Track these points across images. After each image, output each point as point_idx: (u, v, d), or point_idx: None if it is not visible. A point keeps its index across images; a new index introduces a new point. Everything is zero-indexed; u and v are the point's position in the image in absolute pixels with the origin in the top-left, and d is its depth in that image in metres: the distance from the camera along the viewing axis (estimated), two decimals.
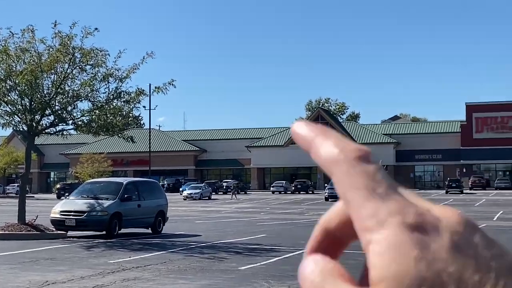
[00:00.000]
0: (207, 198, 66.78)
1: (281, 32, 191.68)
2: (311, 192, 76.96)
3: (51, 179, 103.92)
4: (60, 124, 25.98)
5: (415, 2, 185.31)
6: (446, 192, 70.06)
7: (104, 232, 23.03)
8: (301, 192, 76.37)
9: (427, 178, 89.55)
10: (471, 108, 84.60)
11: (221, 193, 78.68)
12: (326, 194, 58.45)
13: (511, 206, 49.87)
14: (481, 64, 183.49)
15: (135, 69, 24.93)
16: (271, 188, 79.47)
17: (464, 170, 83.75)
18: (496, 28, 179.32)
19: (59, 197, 60.79)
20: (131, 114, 29.67)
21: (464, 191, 71.25)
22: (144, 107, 34.48)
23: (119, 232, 23.60)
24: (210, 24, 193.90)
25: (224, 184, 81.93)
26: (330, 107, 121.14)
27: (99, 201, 23.94)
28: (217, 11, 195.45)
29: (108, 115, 25.42)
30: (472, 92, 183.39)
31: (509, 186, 76.76)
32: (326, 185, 64.90)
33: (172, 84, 25.31)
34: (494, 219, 37.89)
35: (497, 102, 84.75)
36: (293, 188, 77.38)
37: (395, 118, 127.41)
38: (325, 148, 0.46)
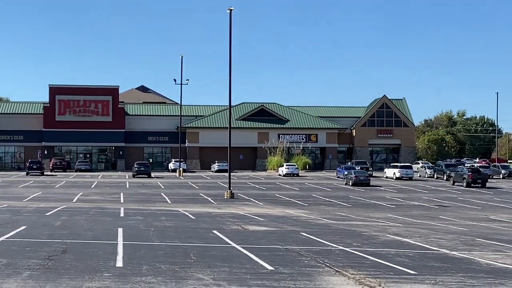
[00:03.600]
0: None
1: None
2: None
3: None
4: None
5: None
6: (27, 174, 69.19)
7: None
8: None
9: (8, 159, 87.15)
10: (54, 90, 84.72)
11: None
12: None
13: (89, 187, 51.77)
14: (63, 46, 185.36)
15: None
16: None
17: (46, 152, 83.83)
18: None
19: None
20: None
21: (45, 173, 71.33)
22: None
23: None
24: None
25: None
26: None
27: None
28: None
29: None
30: (56, 74, 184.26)
31: (89, 168, 79.12)
32: None
33: None
34: (74, 200, 38.96)
35: (80, 86, 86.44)
36: None
37: None
38: None
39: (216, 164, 78.59)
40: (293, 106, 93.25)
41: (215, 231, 21.11)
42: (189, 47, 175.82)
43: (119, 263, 13.60)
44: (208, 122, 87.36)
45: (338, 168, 71.20)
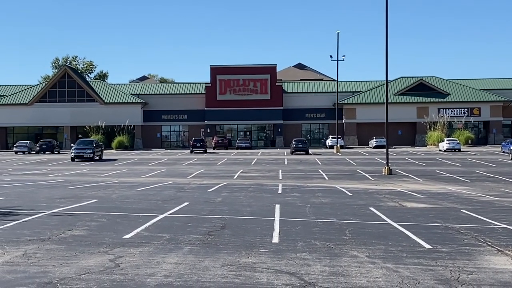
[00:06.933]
0: None
1: None
2: (57, 152, 74.71)
3: None
4: None
5: None
6: (191, 152, 72.16)
7: None
8: (47, 152, 73.83)
9: (173, 138, 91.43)
10: (215, 70, 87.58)
11: None
12: (73, 154, 57.97)
13: (249, 164, 53.04)
14: (223, 27, 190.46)
15: None
16: (14, 149, 75.69)
17: (208, 130, 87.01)
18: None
19: None
20: None
21: (208, 151, 74.03)
22: None
23: None
24: None
25: None
26: (77, 66, 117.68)
27: None
28: None
29: None
30: (216, 55, 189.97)
31: (249, 146, 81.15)
32: (72, 145, 63.62)
33: None
34: (235, 177, 40.11)
35: (239, 66, 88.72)
36: (38, 148, 74.48)
37: (143, 78, 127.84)
38: None
39: (374, 140, 77.77)
40: (454, 79, 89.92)
41: (371, 208, 20.90)
42: (345, 22, 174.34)
43: (275, 239, 13.83)
44: (365, 98, 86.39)
45: (503, 143, 67.86)
